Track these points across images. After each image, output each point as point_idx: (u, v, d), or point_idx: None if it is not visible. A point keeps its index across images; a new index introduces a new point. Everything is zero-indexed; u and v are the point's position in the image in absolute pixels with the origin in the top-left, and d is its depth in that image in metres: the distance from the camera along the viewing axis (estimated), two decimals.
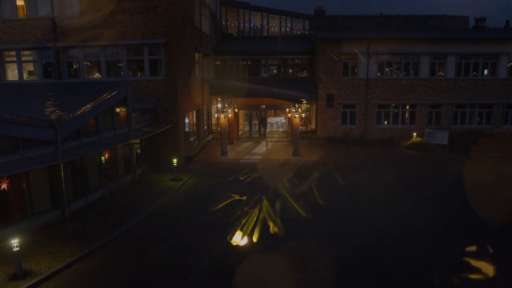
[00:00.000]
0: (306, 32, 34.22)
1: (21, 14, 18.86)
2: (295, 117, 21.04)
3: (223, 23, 33.63)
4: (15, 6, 18.61)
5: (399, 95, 25.66)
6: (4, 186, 10.10)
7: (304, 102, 26.45)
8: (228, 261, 9.15)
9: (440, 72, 25.75)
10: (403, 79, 25.61)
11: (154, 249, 10.23)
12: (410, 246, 10.38)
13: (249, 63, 29.76)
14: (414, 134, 24.54)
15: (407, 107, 25.95)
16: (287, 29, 34.49)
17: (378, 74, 25.67)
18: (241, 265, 8.62)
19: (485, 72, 25.69)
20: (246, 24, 34.33)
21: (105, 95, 13.85)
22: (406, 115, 26.09)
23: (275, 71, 30.29)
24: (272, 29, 34.81)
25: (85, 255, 9.73)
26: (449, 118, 25.77)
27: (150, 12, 17.95)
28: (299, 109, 21.86)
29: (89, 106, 12.89)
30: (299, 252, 9.33)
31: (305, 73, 29.36)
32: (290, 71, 29.93)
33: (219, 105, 26.45)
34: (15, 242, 8.54)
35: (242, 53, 29.32)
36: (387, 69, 25.90)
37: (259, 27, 34.81)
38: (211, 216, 11.68)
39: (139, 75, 19.20)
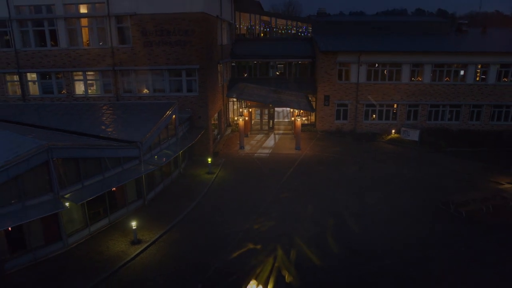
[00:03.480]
0: (309, 34, 39.10)
1: (86, 45, 24.41)
2: (297, 120, 26.91)
3: (237, 25, 38.58)
4: (82, 39, 24.12)
5: (383, 96, 31.20)
6: (114, 188, 16.32)
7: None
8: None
9: (418, 78, 31.10)
10: (387, 83, 31.04)
11: (209, 224, 16.54)
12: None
13: (259, 64, 35.13)
14: (393, 131, 30.35)
15: (391, 106, 31.53)
16: (293, 31, 39.36)
17: (367, 79, 31.08)
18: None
19: (456, 78, 31.00)
20: (257, 27, 39.25)
21: (164, 117, 19.75)
22: (390, 113, 31.74)
23: (282, 71, 35.67)
24: (280, 31, 39.73)
25: (167, 230, 16.09)
26: (425, 116, 31.44)
27: (187, 44, 23.44)
28: (299, 116, 27.54)
29: (155, 127, 18.85)
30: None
31: (308, 74, 34.71)
32: (295, 71, 35.30)
33: (235, 106, 32.18)
34: (133, 223, 14.89)
35: (254, 57, 34.62)
36: (374, 75, 31.22)
37: (268, 29, 39.72)
38: (240, 204, 18.01)
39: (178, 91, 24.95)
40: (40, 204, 13.37)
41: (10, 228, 12.66)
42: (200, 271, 13.21)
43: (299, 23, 39.33)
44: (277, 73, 35.75)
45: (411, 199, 18.90)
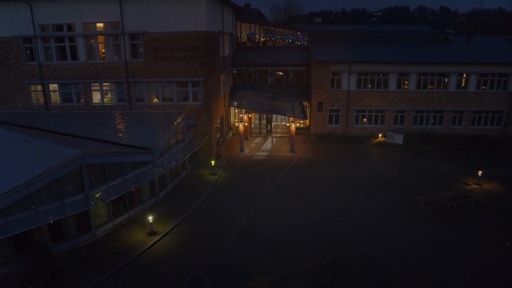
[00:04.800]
0: (305, 42, 41.86)
1: (102, 59, 27.31)
2: (292, 126, 29.78)
3: (238, 34, 41.36)
4: (99, 54, 27.03)
5: (372, 103, 33.98)
6: (132, 189, 19.24)
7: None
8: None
9: (404, 86, 33.85)
10: (375, 90, 33.80)
11: (213, 218, 19.46)
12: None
13: (259, 72, 37.95)
14: (380, 135, 33.16)
15: (379, 112, 34.31)
16: (290, 39, 42.12)
17: (357, 87, 33.83)
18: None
19: (439, 86, 33.72)
20: (257, 36, 42.04)
21: (174, 125, 22.63)
22: (378, 118, 34.52)
23: (279, 78, 38.48)
24: (278, 39, 42.51)
25: (178, 224, 19.02)
26: (410, 121, 34.22)
27: (192, 59, 26.28)
28: (293, 122, 30.38)
29: (166, 135, 21.74)
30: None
31: (303, 81, 37.50)
32: (291, 78, 38.11)
33: (236, 110, 35.02)
34: (150, 217, 17.84)
35: (254, 65, 37.46)
36: (363, 83, 33.98)
37: (266, 37, 42.51)
38: (241, 201, 20.92)
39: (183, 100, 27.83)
40: (75, 202, 16.32)
41: (52, 222, 15.58)
42: (206, 257, 16.14)
43: (297, 32, 42.00)
44: (276, 78, 38.58)
45: (387, 197, 21.75)
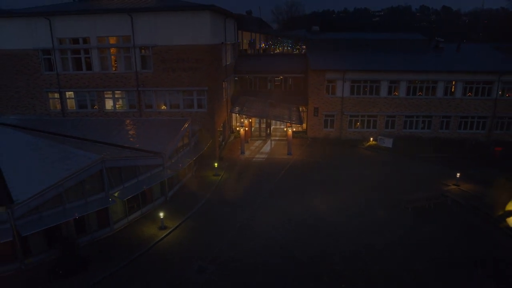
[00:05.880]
0: (303, 51, 44.23)
1: (114, 69, 29.79)
2: (289, 130, 32.19)
3: (240, 42, 43.75)
4: (111, 65, 29.51)
5: (365, 108, 36.31)
6: (144, 189, 21.66)
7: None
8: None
9: (395, 92, 36.16)
10: (368, 97, 36.12)
11: (216, 215, 21.87)
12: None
13: (259, 78, 40.35)
14: (371, 138, 35.51)
15: (371, 117, 36.62)
16: (289, 48, 44.50)
17: (350, 93, 36.17)
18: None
19: (428, 92, 35.99)
20: (257, 44, 44.44)
21: (181, 131, 25.06)
22: (370, 122, 36.84)
23: (279, 84, 40.86)
24: (277, 48, 44.92)
25: (185, 220, 21.46)
26: (401, 125, 36.53)
27: (197, 70, 28.71)
28: (291, 127, 32.75)
29: (174, 140, 24.17)
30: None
31: (301, 87, 39.86)
32: (290, 84, 40.49)
33: (238, 115, 37.40)
34: (161, 214, 20.29)
35: (255, 72, 39.86)
36: (357, 89, 36.30)
37: (267, 46, 44.90)
38: (241, 199, 23.36)
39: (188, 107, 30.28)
40: (96, 200, 18.80)
41: (77, 217, 18.05)
42: (209, 248, 18.57)
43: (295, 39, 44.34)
44: (275, 84, 40.96)
45: (373, 197, 24.10)
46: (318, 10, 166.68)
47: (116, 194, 19.50)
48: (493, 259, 17.48)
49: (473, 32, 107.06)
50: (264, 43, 46.34)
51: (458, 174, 25.65)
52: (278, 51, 46.88)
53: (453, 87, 35.67)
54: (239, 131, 34.85)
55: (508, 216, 20.84)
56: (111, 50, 29.50)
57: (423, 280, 16.22)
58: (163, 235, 19.73)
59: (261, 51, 45.52)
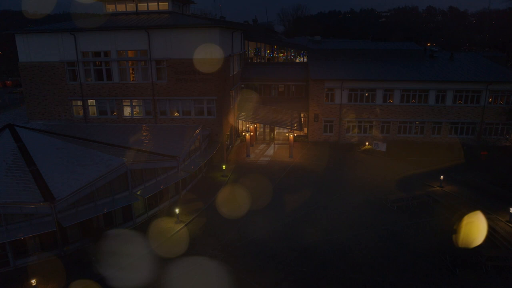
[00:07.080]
0: (305, 59, 47.10)
1: (132, 80, 32.95)
2: (291, 135, 35.14)
3: (246, 51, 46.75)
4: (130, 76, 32.68)
5: (361, 114, 39.12)
6: (161, 187, 24.73)
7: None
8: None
9: (390, 100, 38.91)
10: (364, 104, 38.92)
11: (223, 212, 24.87)
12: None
13: (264, 85, 43.34)
14: (367, 143, 38.32)
15: (367, 122, 39.42)
16: (292, 56, 47.42)
17: (348, 100, 38.99)
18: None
19: (420, 100, 38.69)
20: (262, 53, 47.43)
21: (193, 136, 28.10)
22: (367, 128, 39.64)
23: (282, 90, 43.80)
24: (281, 53, 47.88)
25: (197, 215, 24.51)
26: (395, 130, 39.29)
27: (207, 81, 31.76)
28: (292, 132, 35.68)
29: (187, 145, 27.23)
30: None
31: (303, 94, 42.76)
32: (293, 91, 43.42)
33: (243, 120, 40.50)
34: (177, 210, 23.34)
35: (260, 80, 42.85)
36: (354, 97, 39.10)
37: (271, 55, 47.87)
38: (246, 198, 26.39)
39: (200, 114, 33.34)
40: (122, 197, 21.90)
41: (106, 212, 21.15)
42: (219, 239, 21.59)
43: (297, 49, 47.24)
44: (279, 91, 43.88)
45: (364, 196, 26.95)
46: (324, 11, 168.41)
47: (138, 193, 22.58)
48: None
49: (480, 33, 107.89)
50: (269, 51, 49.27)
51: (442, 177, 28.39)
52: (281, 55, 49.63)
53: (442, 95, 38.33)
54: (245, 135, 37.88)
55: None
56: (130, 63, 32.65)
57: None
58: (179, 228, 22.79)
59: (266, 59, 48.46)
